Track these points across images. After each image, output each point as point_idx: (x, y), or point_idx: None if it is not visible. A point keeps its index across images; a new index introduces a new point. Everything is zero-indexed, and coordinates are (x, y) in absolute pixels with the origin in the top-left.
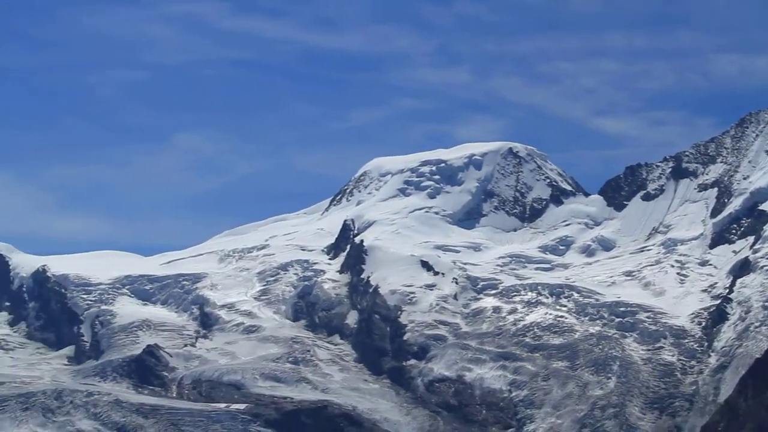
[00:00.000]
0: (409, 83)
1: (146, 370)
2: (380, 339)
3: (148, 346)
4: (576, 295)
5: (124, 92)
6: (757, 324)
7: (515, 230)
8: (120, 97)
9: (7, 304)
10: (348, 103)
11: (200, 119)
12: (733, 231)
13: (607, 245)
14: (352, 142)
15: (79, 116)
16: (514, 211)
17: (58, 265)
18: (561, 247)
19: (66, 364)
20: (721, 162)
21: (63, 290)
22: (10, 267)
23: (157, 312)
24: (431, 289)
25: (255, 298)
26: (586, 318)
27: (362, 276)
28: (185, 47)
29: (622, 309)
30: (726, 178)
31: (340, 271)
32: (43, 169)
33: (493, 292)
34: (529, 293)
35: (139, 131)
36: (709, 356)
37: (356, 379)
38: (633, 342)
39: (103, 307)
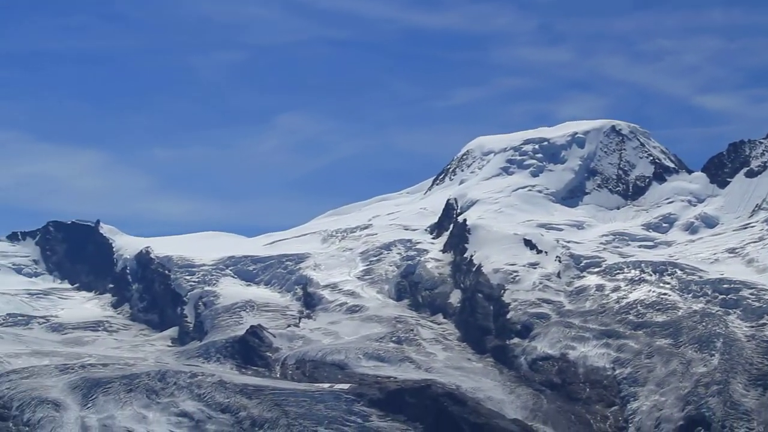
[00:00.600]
0: (511, 62)
1: (250, 350)
2: (483, 318)
3: (252, 326)
4: (679, 272)
5: (226, 74)
6: None
7: (618, 208)
8: (222, 78)
9: (111, 286)
10: (450, 82)
11: (302, 100)
12: None
13: (710, 222)
14: (455, 121)
15: (182, 98)
16: (617, 189)
17: (162, 246)
18: (664, 225)
19: (170, 346)
20: None
21: (166, 272)
22: (114, 249)
23: (260, 292)
24: (534, 268)
25: (358, 277)
26: (690, 295)
27: (465, 255)
28: (286, 28)
29: (725, 286)
30: None
31: (443, 251)
32: (146, 151)
33: (597, 270)
34: (633, 271)
35: (241, 113)
36: None
37: (459, 358)
38: (736, 319)
39: (207, 288)
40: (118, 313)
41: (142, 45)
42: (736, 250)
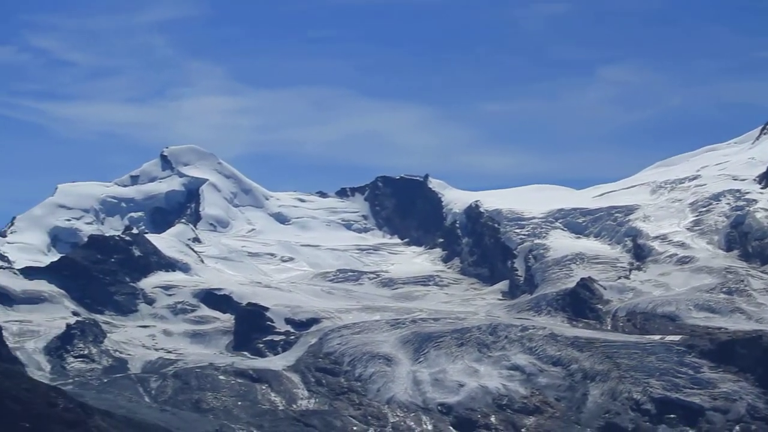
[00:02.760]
0: None
1: (580, 303)
2: None
3: (582, 279)
4: None
5: (548, 26)
6: None
7: None
8: (545, 31)
9: (441, 240)
10: None
11: (624, 51)
12: None
13: None
14: None
15: (505, 51)
16: None
17: (491, 200)
18: None
19: (500, 299)
20: None
21: (496, 225)
22: (443, 203)
23: (590, 245)
24: None
25: (687, 228)
26: None
27: None
28: None
29: None
30: None
31: None
32: (472, 105)
33: None
34: None
35: (566, 65)
36: None
37: None
38: None
39: (537, 241)
40: (449, 268)
41: None
42: None
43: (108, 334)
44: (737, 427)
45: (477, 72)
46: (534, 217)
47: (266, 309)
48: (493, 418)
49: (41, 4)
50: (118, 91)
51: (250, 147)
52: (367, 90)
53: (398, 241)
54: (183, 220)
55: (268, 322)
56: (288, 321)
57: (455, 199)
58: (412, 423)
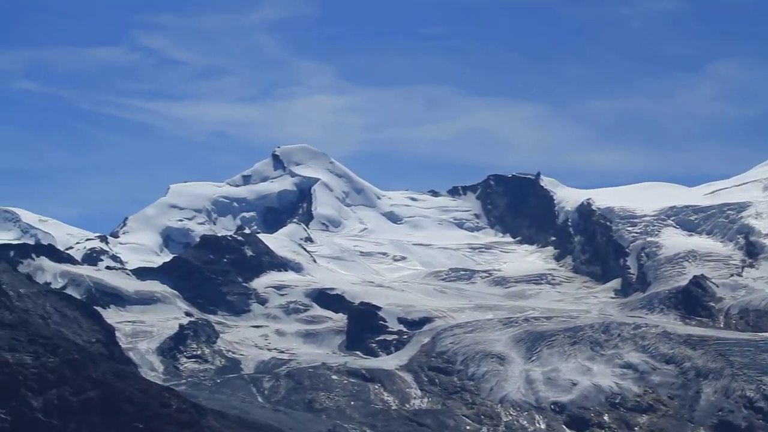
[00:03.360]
0: None
1: (693, 300)
2: None
3: (695, 276)
4: None
5: (657, 23)
6: None
7: None
8: (654, 27)
9: (553, 238)
10: None
11: (735, 47)
12: None
13: None
14: None
15: (614, 49)
16: None
17: (602, 197)
18: None
19: (612, 297)
20: None
21: (608, 223)
22: (555, 201)
23: (702, 242)
24: None
25: None
26: None
27: None
28: None
29: None
30: None
31: None
32: (582, 103)
33: None
34: None
35: (674, 61)
36: None
37: None
38: None
39: (649, 239)
40: (561, 266)
41: None
42: None
43: (221, 335)
44: None
45: (586, 69)
46: (646, 215)
47: (379, 308)
48: (606, 417)
49: (150, 3)
50: (228, 91)
51: (361, 146)
52: (477, 88)
53: (510, 239)
54: (295, 220)
55: (381, 322)
56: (400, 320)
57: (567, 197)
58: (525, 422)
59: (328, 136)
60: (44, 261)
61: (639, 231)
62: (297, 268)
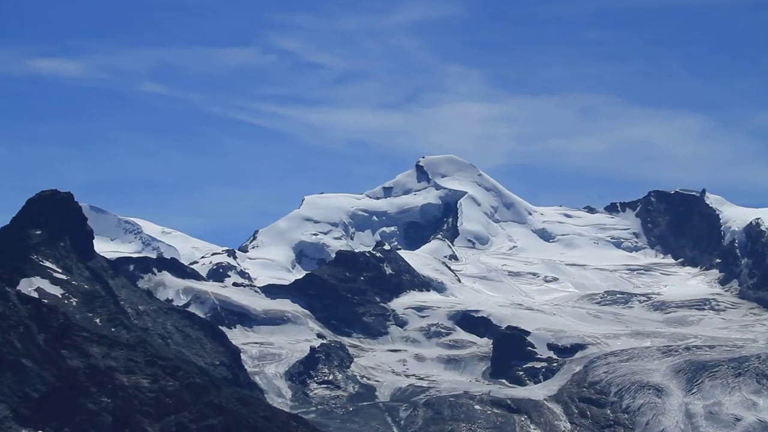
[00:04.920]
0: None
1: None
2: None
3: None
4: None
5: None
6: None
7: None
8: None
9: (718, 260)
10: None
11: None
12: None
13: None
14: None
15: None
16: None
17: None
18: None
19: None
20: None
21: None
22: (721, 220)
23: None
24: None
25: None
26: None
27: None
28: None
29: None
30: None
31: None
32: (752, 115)
33: None
34: None
35: None
36: None
37: None
38: None
39: None
40: (726, 290)
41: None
42: None
43: (355, 359)
44: None
45: (755, 80)
46: None
47: (527, 333)
48: None
49: (285, 2)
50: (368, 96)
51: (511, 157)
52: (636, 97)
53: (672, 261)
54: (439, 236)
55: (529, 348)
56: (550, 347)
57: (734, 216)
58: None
59: (476, 146)
60: (166, 276)
61: None
62: (440, 288)
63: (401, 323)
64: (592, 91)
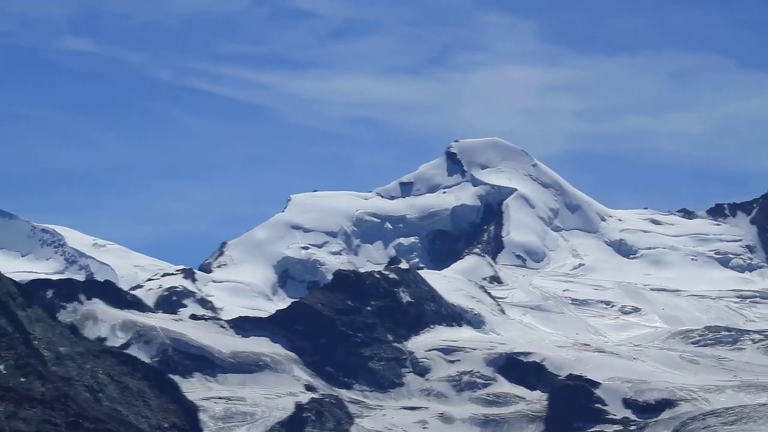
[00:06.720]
0: None
1: None
2: None
3: None
4: None
5: None
6: None
7: None
8: None
9: None
10: None
11: None
12: None
13: None
14: None
15: None
16: None
17: None
18: None
19: None
20: None
21: None
22: None
23: None
24: None
25: None
26: None
27: None
28: None
29: None
30: None
31: None
32: None
33: None
34: None
35: None
36: None
37: None
38: None
39: None
40: None
41: None
42: None
43: (357, 419)
44: None
45: None
46: None
47: (596, 385)
48: None
49: None
50: (378, 57)
51: (576, 142)
52: (749, 59)
53: None
54: (476, 250)
55: (598, 405)
56: (628, 403)
57: None
58: None
59: (528, 126)
60: (98, 305)
61: None
62: (476, 323)
63: (422, 371)
64: (688, 49)
